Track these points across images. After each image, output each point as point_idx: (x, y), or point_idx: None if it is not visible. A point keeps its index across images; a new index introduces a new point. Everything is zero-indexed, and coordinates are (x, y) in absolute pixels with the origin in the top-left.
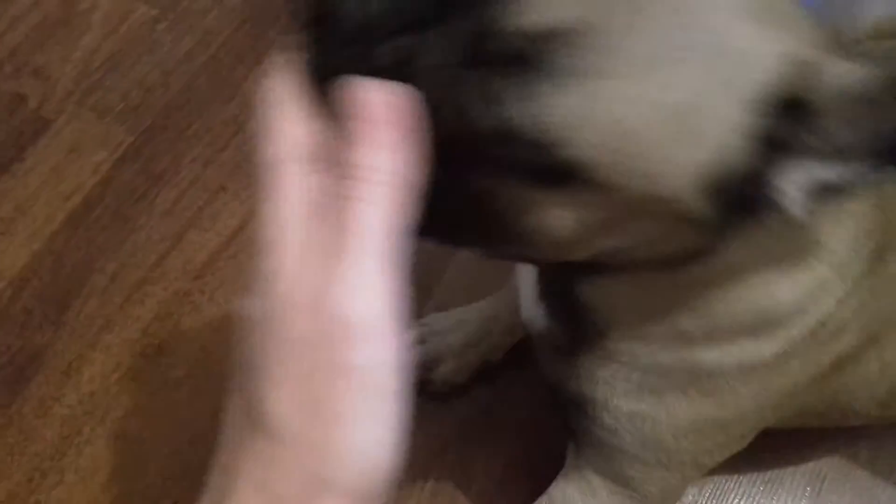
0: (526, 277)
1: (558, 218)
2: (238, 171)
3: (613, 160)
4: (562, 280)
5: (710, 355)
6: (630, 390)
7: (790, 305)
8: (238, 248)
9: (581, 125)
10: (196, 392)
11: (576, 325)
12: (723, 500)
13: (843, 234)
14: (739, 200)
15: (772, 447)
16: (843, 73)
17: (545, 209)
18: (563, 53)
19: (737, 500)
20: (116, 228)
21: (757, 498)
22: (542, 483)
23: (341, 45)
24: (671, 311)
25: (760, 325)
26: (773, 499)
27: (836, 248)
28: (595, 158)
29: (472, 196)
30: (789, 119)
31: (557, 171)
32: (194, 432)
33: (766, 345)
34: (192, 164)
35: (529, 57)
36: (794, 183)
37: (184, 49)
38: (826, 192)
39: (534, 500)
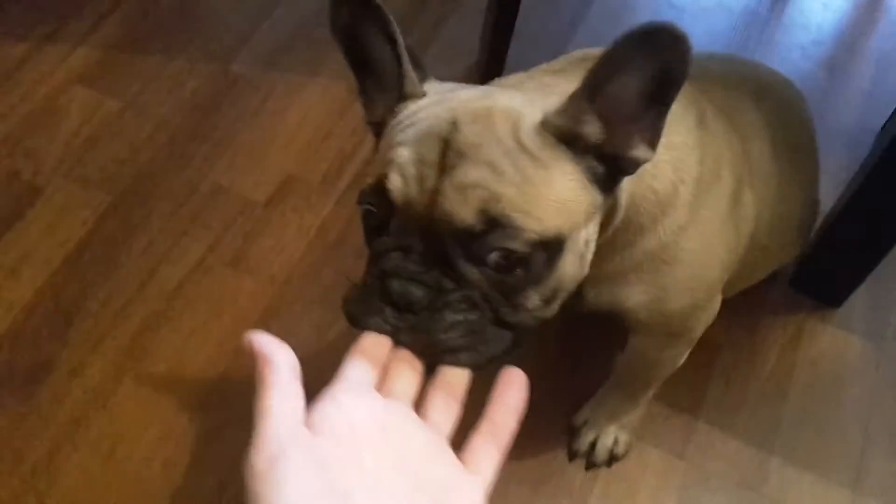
0: None
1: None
2: (196, 220)
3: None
4: None
5: (653, 243)
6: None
7: (670, 186)
8: (200, 277)
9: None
10: (173, 383)
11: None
12: None
13: (676, 128)
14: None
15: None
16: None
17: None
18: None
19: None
20: (103, 267)
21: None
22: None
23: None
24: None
25: (668, 208)
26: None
27: (675, 139)
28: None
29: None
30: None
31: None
32: (172, 416)
33: (679, 213)
34: (159, 217)
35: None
36: (636, 146)
37: (146, 132)
38: (652, 132)
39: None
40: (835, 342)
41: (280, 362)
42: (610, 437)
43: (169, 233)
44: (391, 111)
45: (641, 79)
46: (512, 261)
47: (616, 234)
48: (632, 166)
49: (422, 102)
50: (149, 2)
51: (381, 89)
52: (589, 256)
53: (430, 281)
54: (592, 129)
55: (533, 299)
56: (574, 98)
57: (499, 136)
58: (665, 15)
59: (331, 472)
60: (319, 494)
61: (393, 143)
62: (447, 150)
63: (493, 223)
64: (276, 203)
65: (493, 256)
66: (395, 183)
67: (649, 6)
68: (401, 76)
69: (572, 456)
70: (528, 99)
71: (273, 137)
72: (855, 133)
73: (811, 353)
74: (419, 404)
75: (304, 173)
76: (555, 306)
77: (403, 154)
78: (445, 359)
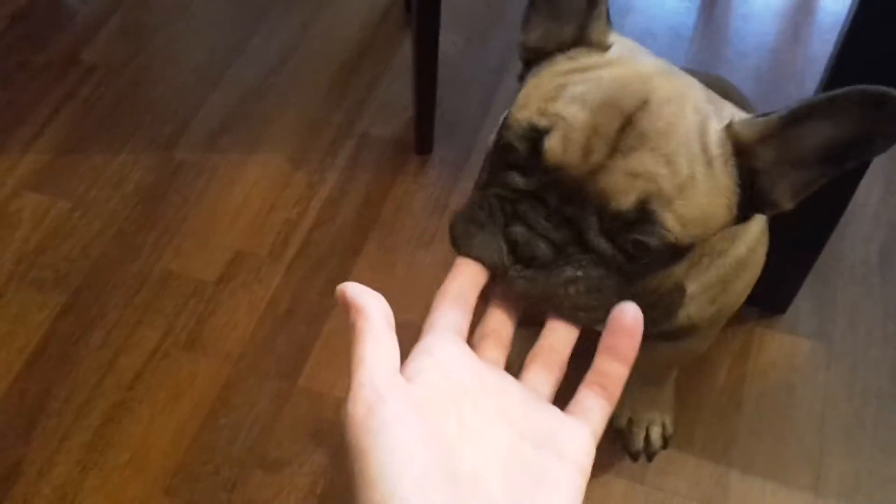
0: None
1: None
2: (149, 308)
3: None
4: None
5: (741, 250)
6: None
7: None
8: (157, 364)
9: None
10: (138, 471)
11: None
12: None
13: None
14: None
15: None
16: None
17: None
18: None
19: None
20: (62, 365)
21: None
22: None
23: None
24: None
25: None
26: None
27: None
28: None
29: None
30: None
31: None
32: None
33: (757, 220)
34: (113, 309)
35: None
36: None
37: (95, 228)
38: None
39: None
40: (783, 347)
41: (373, 311)
42: (658, 424)
43: (124, 324)
44: (560, 46)
45: (838, 133)
46: (641, 252)
47: (716, 242)
48: (767, 208)
49: (608, 57)
50: (89, 102)
51: (553, 16)
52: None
53: (557, 241)
54: (768, 156)
55: (640, 284)
56: (770, 119)
57: (687, 127)
58: None
59: (431, 420)
60: (423, 439)
61: (565, 94)
62: (628, 128)
63: (645, 216)
64: (226, 281)
65: (628, 244)
66: (554, 144)
67: None
68: (589, 17)
69: (635, 457)
70: (715, 99)
71: (219, 217)
72: None
73: (761, 361)
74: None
75: (251, 248)
76: (649, 299)
77: (577, 116)
78: (562, 313)
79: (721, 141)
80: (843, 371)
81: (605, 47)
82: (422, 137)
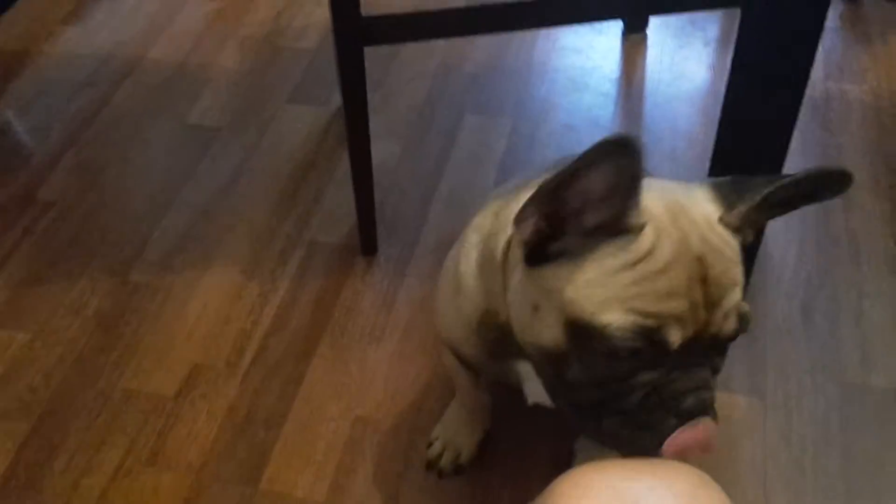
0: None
1: None
2: (111, 428)
3: None
4: None
5: None
6: None
7: None
8: (121, 481)
9: None
10: None
11: None
12: None
13: None
14: None
15: None
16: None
17: None
18: None
19: None
20: (28, 492)
21: None
22: None
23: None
24: None
25: None
26: None
27: None
28: None
29: None
30: None
31: None
32: None
33: None
34: (76, 433)
35: None
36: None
37: (56, 356)
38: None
39: None
40: (721, 405)
41: None
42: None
43: (87, 446)
44: (577, 231)
45: (792, 189)
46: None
47: None
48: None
49: (646, 241)
50: (46, 237)
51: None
52: None
53: (701, 381)
54: (752, 227)
55: None
56: (751, 203)
57: (727, 253)
58: (521, 145)
59: None
60: None
61: (650, 293)
62: (707, 288)
63: (744, 321)
64: (184, 394)
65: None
66: (675, 336)
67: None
68: (625, 205)
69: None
70: (690, 193)
71: (175, 333)
72: None
73: None
74: None
75: (208, 360)
76: None
77: (679, 307)
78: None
79: (730, 234)
80: (779, 423)
81: (640, 228)
82: (366, 240)
